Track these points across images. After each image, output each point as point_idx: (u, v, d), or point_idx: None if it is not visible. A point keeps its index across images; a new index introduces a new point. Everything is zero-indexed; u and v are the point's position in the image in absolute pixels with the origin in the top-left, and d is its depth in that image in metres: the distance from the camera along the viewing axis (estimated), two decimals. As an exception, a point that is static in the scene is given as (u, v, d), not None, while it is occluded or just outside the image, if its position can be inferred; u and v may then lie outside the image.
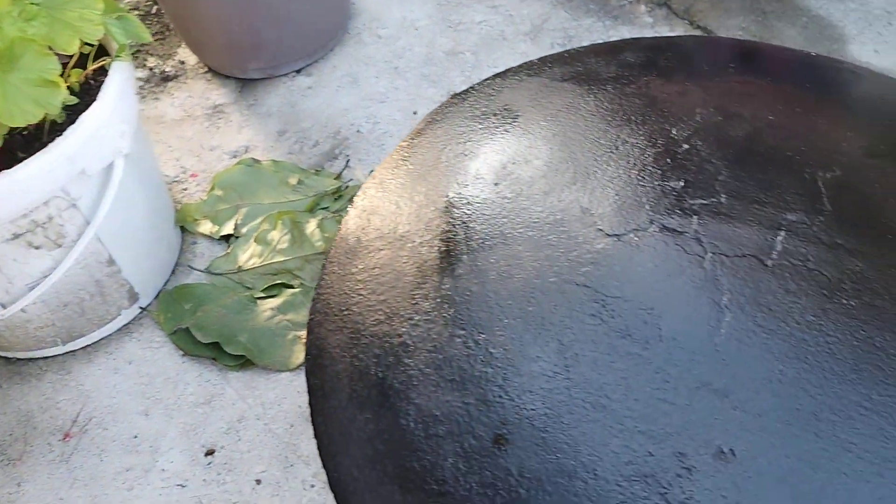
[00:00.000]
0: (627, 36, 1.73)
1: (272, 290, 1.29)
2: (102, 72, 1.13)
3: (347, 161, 1.51)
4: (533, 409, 0.59)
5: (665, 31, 1.73)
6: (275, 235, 1.33)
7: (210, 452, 1.14)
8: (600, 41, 1.72)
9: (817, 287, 0.61)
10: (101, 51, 1.16)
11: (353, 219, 0.80)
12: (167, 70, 1.75)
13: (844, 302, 0.61)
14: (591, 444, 0.57)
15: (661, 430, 0.57)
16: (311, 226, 1.35)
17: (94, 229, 1.11)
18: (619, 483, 0.55)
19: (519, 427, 0.59)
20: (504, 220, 0.72)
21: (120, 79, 1.10)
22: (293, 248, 1.31)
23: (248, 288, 1.30)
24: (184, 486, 1.11)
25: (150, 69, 1.76)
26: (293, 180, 1.43)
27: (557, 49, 1.73)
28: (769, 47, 0.93)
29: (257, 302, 1.27)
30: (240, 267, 1.32)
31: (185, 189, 1.51)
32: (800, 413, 0.56)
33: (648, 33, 1.72)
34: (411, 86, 1.66)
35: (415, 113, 1.61)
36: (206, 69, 1.74)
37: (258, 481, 1.10)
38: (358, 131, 1.57)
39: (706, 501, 0.54)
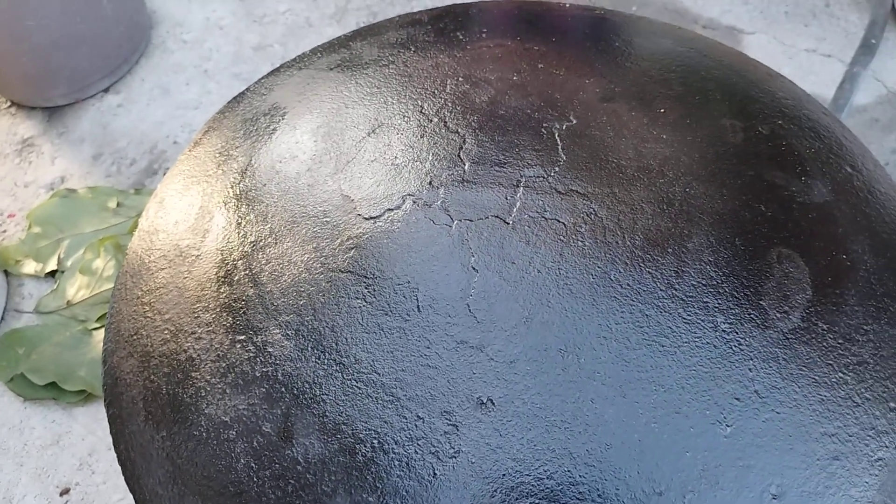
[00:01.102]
0: (430, 4, 1.76)
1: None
2: None
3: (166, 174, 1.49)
4: (311, 397, 0.62)
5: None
6: (99, 263, 1.31)
7: (65, 492, 1.13)
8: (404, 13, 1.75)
9: (555, 234, 0.66)
10: None
11: (136, 241, 0.81)
12: (-33, 111, 1.68)
13: (580, 243, 0.66)
14: (367, 420, 0.61)
15: (428, 394, 0.61)
16: (137, 246, 1.33)
17: None
18: (395, 450, 0.59)
19: (300, 418, 0.62)
20: (274, 218, 0.74)
21: None
22: (120, 272, 1.30)
23: (82, 321, 1.28)
24: (42, 532, 1.10)
25: (-52, 113, 1.68)
26: (112, 204, 1.41)
27: (363, 28, 1.75)
28: (521, 5, 0.97)
29: (92, 333, 1.26)
30: (69, 301, 1.30)
31: (5, 231, 1.47)
32: (547, 353, 0.61)
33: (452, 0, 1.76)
34: (224, 87, 1.65)
35: (229, 114, 1.60)
36: (8, 103, 1.68)
37: (117, 511, 1.10)
38: (175, 142, 1.56)
39: (473, 451, 0.58)
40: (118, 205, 1.41)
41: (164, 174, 1.50)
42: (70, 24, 1.51)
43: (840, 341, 0.64)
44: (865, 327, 0.65)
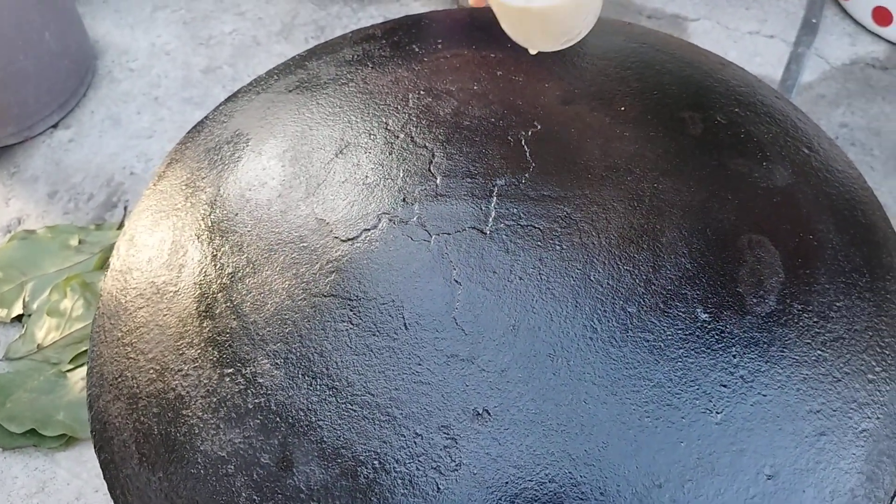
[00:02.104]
0: (377, 15, 1.76)
1: (80, 359, 1.25)
2: None
3: (125, 207, 1.47)
4: (307, 425, 0.63)
5: (417, 8, 1.77)
6: (67, 304, 1.29)
7: (54, 540, 1.11)
8: (352, 27, 1.75)
9: (532, 241, 0.67)
10: None
11: (110, 282, 0.80)
12: (-88, 158, 1.64)
13: (558, 247, 0.67)
14: (366, 442, 0.61)
15: (424, 410, 0.61)
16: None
17: None
18: (397, 469, 0.60)
19: (298, 446, 0.62)
20: (250, 248, 0.74)
21: None
22: (90, 310, 1.28)
23: (55, 363, 1.26)
24: (35, 582, 1.08)
25: None
26: (74, 241, 1.39)
27: (312, 43, 1.74)
28: (473, 12, 0.98)
29: (67, 375, 1.24)
30: (39, 345, 1.28)
31: (-36, 279, 1.43)
32: (536, 358, 0.62)
33: (397, 11, 1.76)
34: (176, 113, 1.63)
35: (185, 140, 1.59)
36: (-45, 147, 1.64)
37: (110, 553, 1.09)
38: (131, 173, 1.54)
39: (474, 463, 0.59)
40: (80, 242, 1.39)
41: (125, 207, 1.49)
42: (13, 62, 1.48)
43: (815, 320, 0.66)
44: (838, 304, 0.67)
